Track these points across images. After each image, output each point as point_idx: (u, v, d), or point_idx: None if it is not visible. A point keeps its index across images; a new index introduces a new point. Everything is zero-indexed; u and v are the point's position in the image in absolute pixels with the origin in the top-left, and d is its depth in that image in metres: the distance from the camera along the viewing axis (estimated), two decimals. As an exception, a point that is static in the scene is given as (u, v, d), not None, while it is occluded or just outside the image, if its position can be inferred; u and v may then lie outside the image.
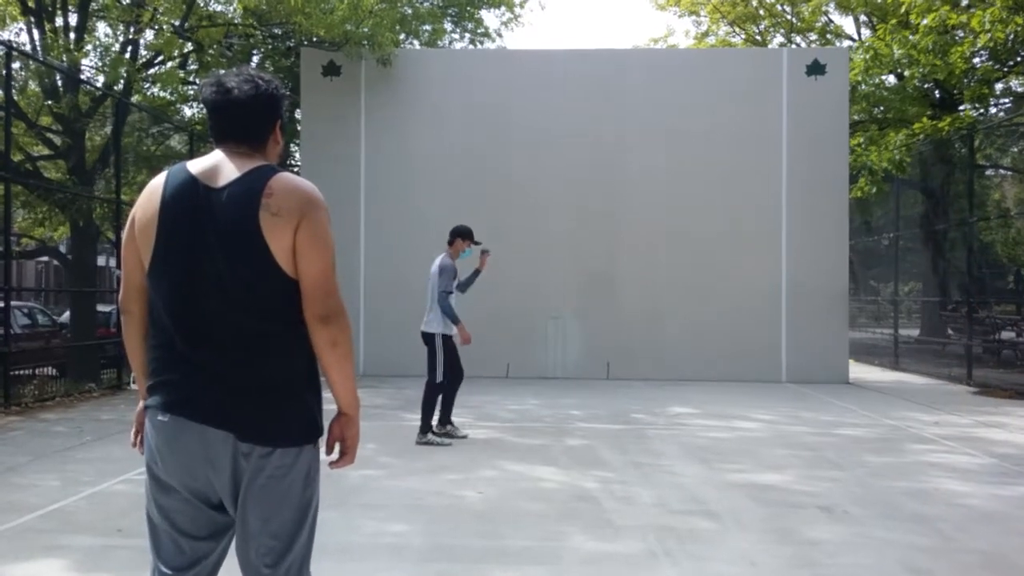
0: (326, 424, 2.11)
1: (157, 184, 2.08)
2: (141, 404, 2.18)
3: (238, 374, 2.00)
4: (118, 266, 11.78)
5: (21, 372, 9.25)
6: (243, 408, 2.00)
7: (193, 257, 1.99)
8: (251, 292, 1.99)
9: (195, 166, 2.07)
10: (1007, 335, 15.12)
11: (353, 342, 2.11)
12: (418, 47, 16.57)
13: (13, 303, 10.23)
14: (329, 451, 2.13)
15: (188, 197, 2.01)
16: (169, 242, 2.02)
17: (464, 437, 6.86)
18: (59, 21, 11.18)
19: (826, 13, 18.86)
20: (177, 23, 10.93)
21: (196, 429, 1.99)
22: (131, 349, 2.20)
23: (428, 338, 6.69)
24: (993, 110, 17.56)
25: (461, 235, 6.84)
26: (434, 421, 6.77)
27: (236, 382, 2.00)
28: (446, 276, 6.65)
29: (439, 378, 6.65)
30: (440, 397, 6.83)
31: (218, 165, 2.06)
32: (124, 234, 2.10)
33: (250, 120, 2.14)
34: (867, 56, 15.48)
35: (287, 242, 1.99)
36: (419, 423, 6.70)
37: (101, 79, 11.38)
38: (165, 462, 2.05)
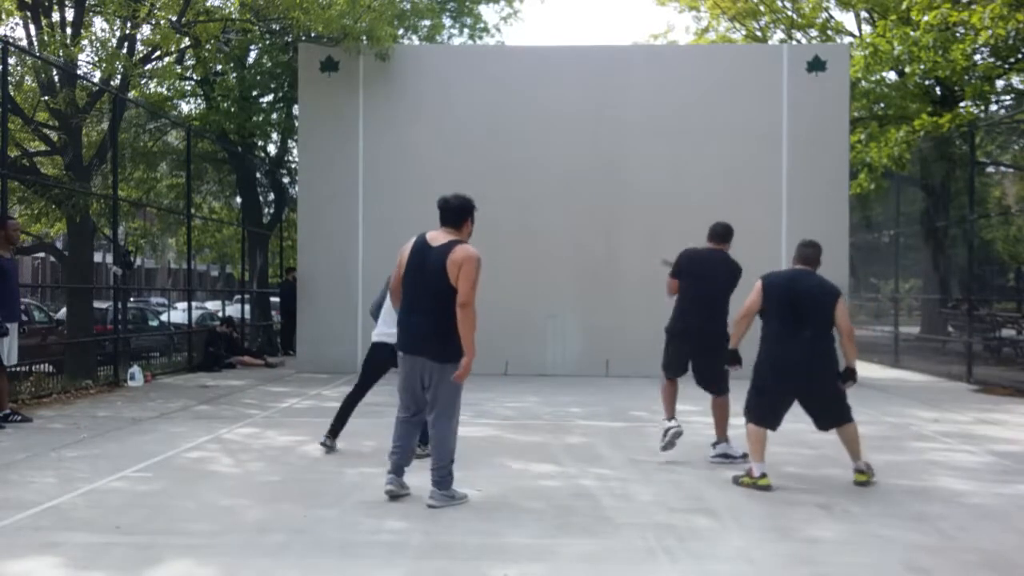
0: None
1: (411, 240, 4.75)
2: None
3: (429, 327, 4.60)
4: (115, 263, 11.74)
5: (18, 369, 9.22)
6: (430, 344, 4.60)
7: (419, 275, 4.64)
8: (439, 290, 4.55)
9: (428, 235, 4.70)
10: (1007, 333, 15.11)
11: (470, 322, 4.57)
12: (416, 43, 16.52)
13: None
14: (457, 374, 4.59)
15: (422, 248, 4.67)
16: (411, 267, 4.68)
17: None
18: (55, 16, 11.10)
19: (826, 9, 18.81)
20: (174, 18, 10.87)
21: (412, 357, 4.70)
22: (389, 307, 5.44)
23: None
24: (994, 107, 17.53)
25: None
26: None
27: (427, 331, 4.60)
28: None
29: None
30: None
31: (437, 237, 4.67)
32: (398, 260, 4.80)
33: (455, 215, 4.71)
34: (867, 53, 15.44)
35: (454, 273, 4.52)
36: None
37: (98, 75, 11.32)
38: (403, 367, 4.76)
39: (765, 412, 5.31)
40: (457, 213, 4.69)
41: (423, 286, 4.61)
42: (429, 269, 4.58)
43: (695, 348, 6.01)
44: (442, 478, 4.70)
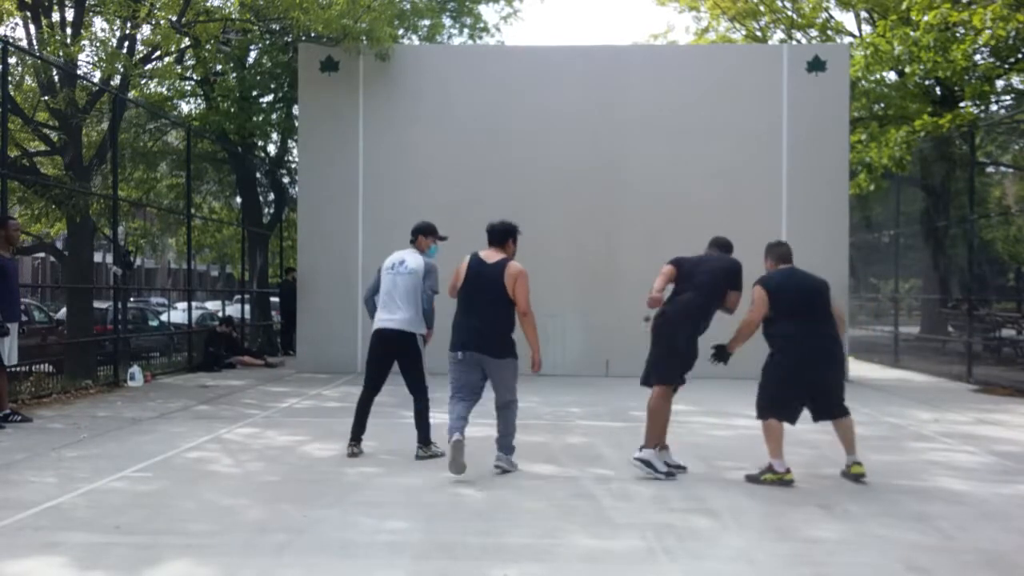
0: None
1: (467, 259, 5.67)
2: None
3: (488, 329, 5.51)
4: (115, 263, 11.74)
5: (18, 369, 9.22)
6: (490, 344, 5.53)
7: (476, 287, 5.58)
8: (496, 299, 5.53)
9: (482, 253, 5.67)
10: (1007, 333, 15.11)
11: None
12: (416, 42, 16.52)
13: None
14: (533, 367, 5.63)
15: (477, 265, 5.61)
16: (468, 280, 5.59)
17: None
18: (55, 16, 11.11)
19: (826, 9, 18.81)
20: (174, 18, 10.87)
21: (470, 353, 5.56)
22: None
23: (410, 339, 6.09)
24: (994, 107, 17.53)
25: (424, 232, 6.31)
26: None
27: (487, 332, 5.51)
28: (433, 276, 6.25)
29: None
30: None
31: (489, 255, 5.65)
32: (454, 274, 5.72)
33: (499, 236, 5.72)
34: (867, 53, 15.44)
35: (511, 286, 5.53)
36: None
37: (98, 75, 11.33)
38: (460, 365, 5.59)
39: (785, 408, 5.45)
40: (501, 235, 5.69)
41: (480, 295, 5.53)
42: (486, 280, 5.54)
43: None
44: (508, 444, 5.68)
